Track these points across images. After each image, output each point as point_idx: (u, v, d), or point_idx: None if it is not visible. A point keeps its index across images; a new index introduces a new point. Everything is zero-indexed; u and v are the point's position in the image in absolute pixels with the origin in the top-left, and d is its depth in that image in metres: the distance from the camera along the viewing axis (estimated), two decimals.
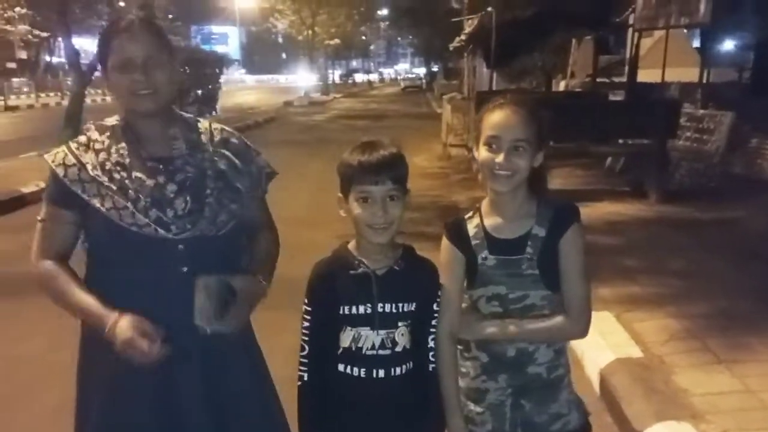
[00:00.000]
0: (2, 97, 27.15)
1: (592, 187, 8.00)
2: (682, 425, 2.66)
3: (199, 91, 20.15)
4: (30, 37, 40.94)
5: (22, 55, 44.85)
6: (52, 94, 34.01)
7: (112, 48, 1.62)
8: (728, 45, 22.90)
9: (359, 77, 67.18)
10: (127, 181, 1.64)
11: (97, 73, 10.25)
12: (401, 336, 1.65)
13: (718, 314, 3.89)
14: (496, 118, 1.66)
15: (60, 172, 1.64)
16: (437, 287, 1.71)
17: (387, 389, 1.65)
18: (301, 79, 38.53)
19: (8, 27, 37.92)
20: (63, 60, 50.50)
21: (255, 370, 1.80)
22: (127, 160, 1.66)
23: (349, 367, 1.65)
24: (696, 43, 18.37)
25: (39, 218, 1.71)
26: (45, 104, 28.83)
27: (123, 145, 1.68)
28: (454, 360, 1.75)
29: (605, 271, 4.71)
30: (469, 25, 15.40)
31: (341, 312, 1.65)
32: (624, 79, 13.76)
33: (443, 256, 1.76)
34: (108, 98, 32.91)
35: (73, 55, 12.02)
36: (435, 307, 1.71)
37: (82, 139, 1.72)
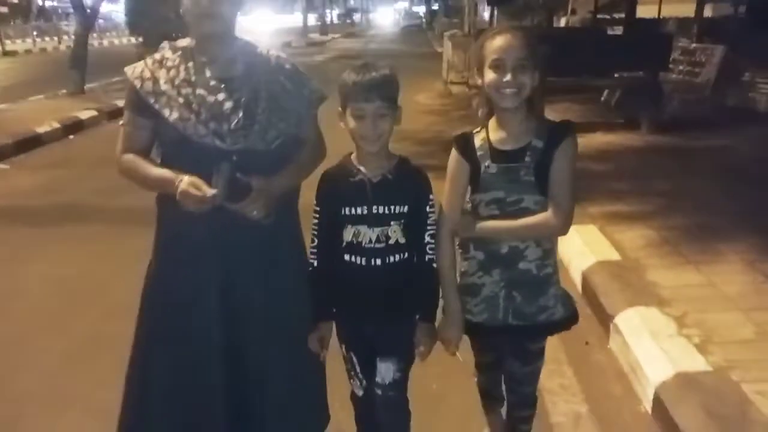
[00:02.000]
0: None
1: (587, 120, 8.26)
2: (650, 309, 3.11)
3: None
4: None
5: None
6: (47, 38, 33.53)
7: None
8: None
9: (358, 17, 66.00)
10: (191, 97, 1.88)
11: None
12: (393, 232, 1.93)
13: (694, 227, 4.30)
14: (498, 42, 1.84)
15: (137, 84, 1.91)
16: (428, 192, 1.97)
17: (383, 275, 1.95)
18: (298, 20, 37.85)
19: None
20: (55, 4, 49.65)
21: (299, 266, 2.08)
22: (193, 78, 1.90)
23: (352, 257, 1.95)
24: None
25: (121, 123, 2.00)
26: (43, 49, 28.57)
27: (191, 64, 1.92)
28: (453, 255, 2.01)
29: (594, 192, 5.11)
30: None
31: (343, 212, 1.93)
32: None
33: (451, 164, 1.99)
34: (105, 42, 32.55)
35: None
36: (427, 209, 1.97)
37: (157, 56, 1.96)
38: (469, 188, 1.98)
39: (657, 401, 2.57)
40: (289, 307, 2.04)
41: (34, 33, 31.57)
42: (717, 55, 7.97)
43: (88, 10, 12.42)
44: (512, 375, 2.15)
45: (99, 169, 7.04)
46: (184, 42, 1.97)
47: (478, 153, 1.93)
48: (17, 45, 29.30)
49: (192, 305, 1.98)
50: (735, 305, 3.18)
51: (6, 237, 5.06)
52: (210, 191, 1.77)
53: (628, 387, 2.85)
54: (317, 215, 2.00)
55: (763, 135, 6.85)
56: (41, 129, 8.85)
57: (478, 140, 1.95)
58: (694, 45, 8.77)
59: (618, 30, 12.91)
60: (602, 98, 9.67)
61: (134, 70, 1.93)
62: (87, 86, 12.44)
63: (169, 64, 1.93)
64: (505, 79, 1.82)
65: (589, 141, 7.09)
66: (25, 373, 3.12)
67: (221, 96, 1.89)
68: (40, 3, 46.72)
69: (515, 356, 2.10)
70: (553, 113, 8.40)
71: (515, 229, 1.91)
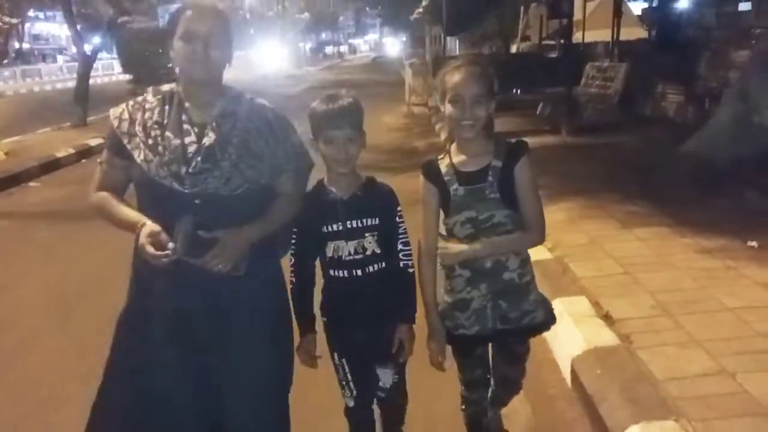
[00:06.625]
0: None
1: (522, 129, 9.97)
2: None
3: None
4: (0, 24, 41.09)
5: None
6: (29, 79, 34.48)
7: (180, 22, 1.83)
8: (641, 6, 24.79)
9: (329, 49, 68.28)
10: (159, 138, 1.84)
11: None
12: (369, 243, 2.06)
13: (570, 189, 5.99)
14: (455, 79, 1.97)
15: (116, 123, 1.89)
16: (395, 204, 2.12)
17: (365, 284, 2.07)
18: (272, 54, 39.74)
19: None
20: (32, 47, 50.50)
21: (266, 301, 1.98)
22: (165, 121, 1.86)
23: (335, 271, 2.09)
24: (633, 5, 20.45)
25: (99, 161, 1.98)
26: (30, 89, 29.77)
27: (167, 107, 1.89)
28: (433, 274, 2.13)
29: None
30: None
31: (324, 230, 2.05)
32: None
33: (421, 191, 2.10)
34: (99, 80, 32.80)
35: (79, 41, 13.64)
36: (397, 219, 2.11)
37: (139, 99, 1.95)
38: (443, 214, 2.11)
39: None
40: (261, 345, 1.98)
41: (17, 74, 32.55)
42: (622, 71, 9.79)
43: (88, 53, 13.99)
44: (504, 375, 2.35)
45: None
46: (166, 87, 1.98)
47: (445, 178, 2.06)
48: (1, 86, 30.20)
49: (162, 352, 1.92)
50: (580, 229, 4.85)
51: (51, 229, 6.44)
52: (169, 245, 1.72)
53: None
54: (294, 237, 2.10)
55: (653, 135, 8.54)
56: (59, 154, 10.32)
57: (443, 166, 2.08)
58: (606, 64, 10.60)
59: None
60: (537, 111, 11.45)
61: (116, 111, 1.94)
62: (89, 119, 13.83)
63: (147, 106, 1.92)
64: (463, 114, 1.97)
65: None
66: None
67: (188, 139, 1.85)
68: (18, 46, 47.68)
69: (504, 360, 2.30)
70: (496, 126, 10.11)
71: (496, 247, 2.04)
